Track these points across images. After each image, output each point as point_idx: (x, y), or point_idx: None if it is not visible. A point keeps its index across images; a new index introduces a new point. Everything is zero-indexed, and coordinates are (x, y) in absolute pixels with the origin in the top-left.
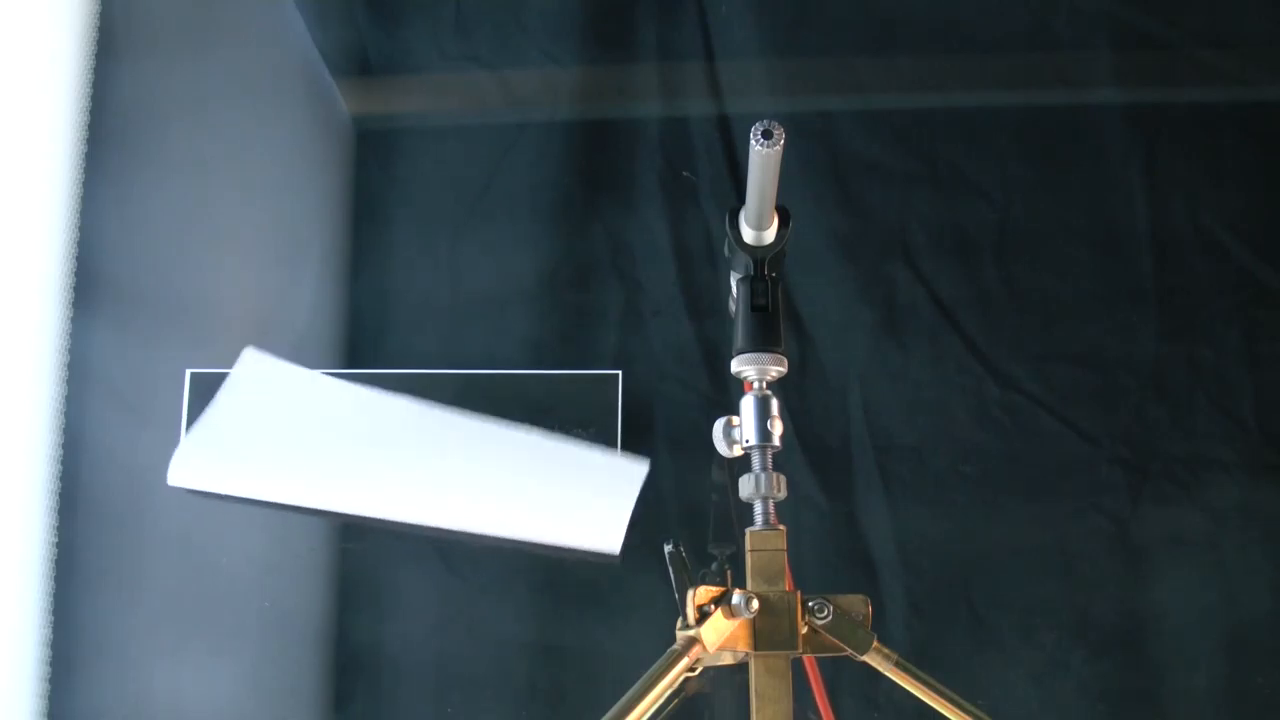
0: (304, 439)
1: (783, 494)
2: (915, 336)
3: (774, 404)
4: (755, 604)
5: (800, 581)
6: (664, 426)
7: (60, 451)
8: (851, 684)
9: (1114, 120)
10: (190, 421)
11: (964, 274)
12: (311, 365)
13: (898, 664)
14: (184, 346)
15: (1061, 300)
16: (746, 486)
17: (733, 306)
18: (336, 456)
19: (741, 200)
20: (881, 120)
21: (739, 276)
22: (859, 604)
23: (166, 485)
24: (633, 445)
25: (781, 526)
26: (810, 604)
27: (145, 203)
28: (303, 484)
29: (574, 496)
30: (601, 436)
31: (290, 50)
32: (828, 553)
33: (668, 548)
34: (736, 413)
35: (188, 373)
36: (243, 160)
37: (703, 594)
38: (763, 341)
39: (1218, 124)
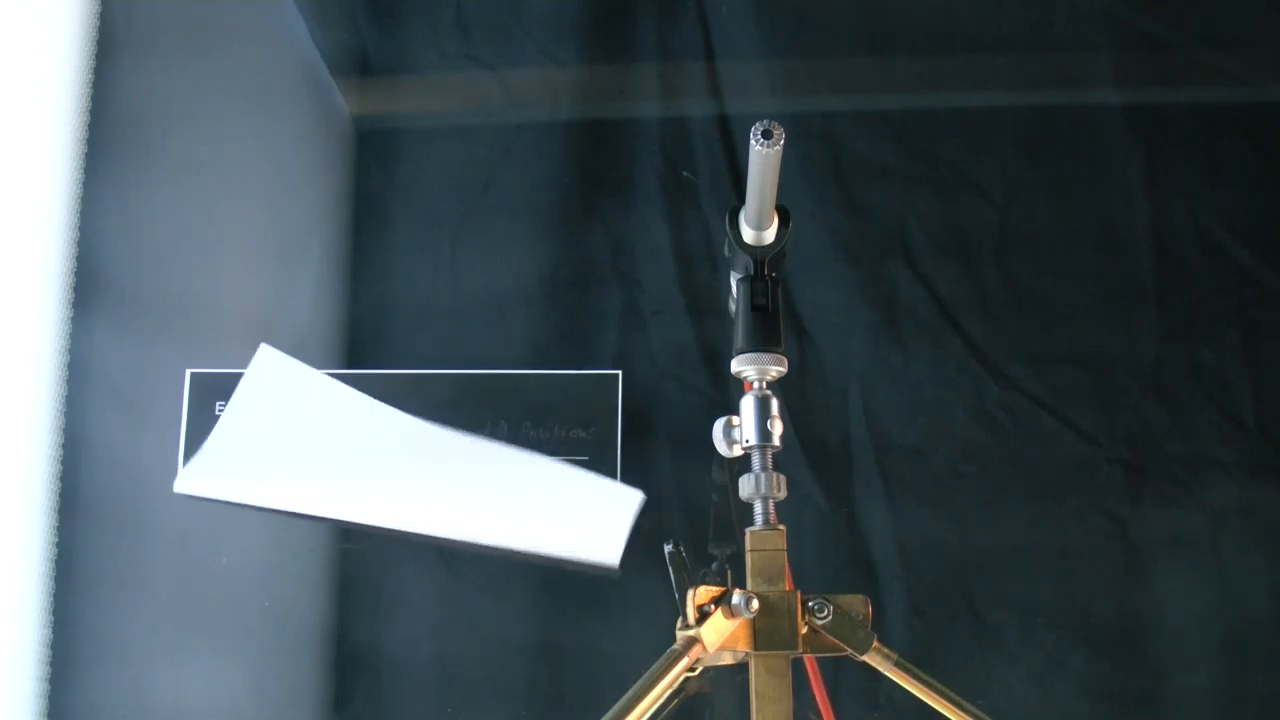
0: (313, 449)
1: (783, 494)
2: (915, 336)
3: (774, 404)
4: (755, 604)
5: (800, 581)
6: (664, 426)
7: (60, 451)
8: (851, 684)
9: (1114, 120)
10: (190, 421)
11: (964, 274)
12: (311, 366)
13: (898, 664)
14: (184, 346)
15: (1061, 300)
16: (746, 486)
17: (733, 306)
18: (346, 469)
19: (741, 200)
20: (881, 120)
21: (739, 276)
22: (859, 604)
23: (167, 486)
24: (633, 445)
25: (781, 526)
26: (810, 604)
27: (145, 203)
28: (310, 495)
29: (574, 512)
30: (601, 436)
31: (290, 50)
32: (828, 553)
33: (668, 548)
34: (736, 413)
35: (188, 373)
36: (243, 160)
37: (703, 594)
38: (763, 341)
39: (1218, 124)
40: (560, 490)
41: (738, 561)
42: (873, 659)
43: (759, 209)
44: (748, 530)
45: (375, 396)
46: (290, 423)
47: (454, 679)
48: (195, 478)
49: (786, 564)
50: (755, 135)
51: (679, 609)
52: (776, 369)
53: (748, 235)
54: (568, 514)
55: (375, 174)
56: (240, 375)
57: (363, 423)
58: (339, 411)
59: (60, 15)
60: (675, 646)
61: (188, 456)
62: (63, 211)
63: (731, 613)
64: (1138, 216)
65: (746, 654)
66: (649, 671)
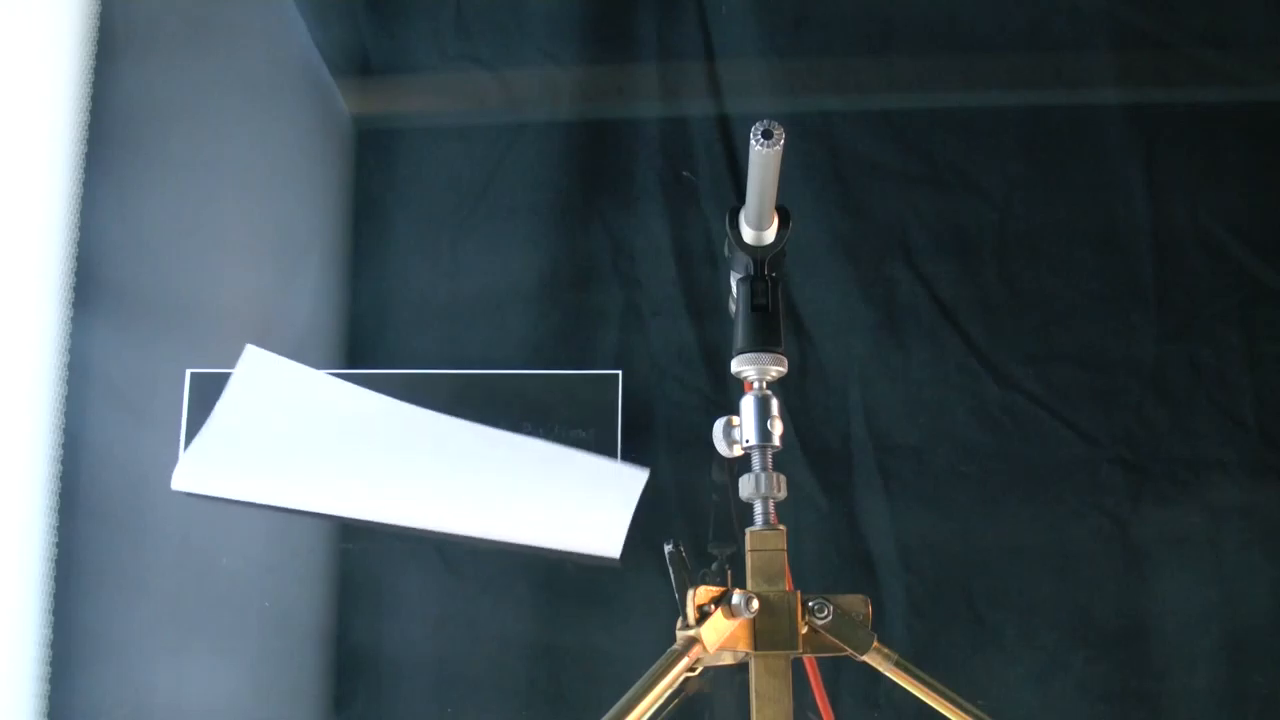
0: (307, 442)
1: (783, 494)
2: (915, 336)
3: (774, 404)
4: (755, 604)
5: (800, 581)
6: (664, 426)
7: (60, 451)
8: (851, 684)
9: (1114, 120)
10: (190, 421)
11: (964, 274)
12: (311, 365)
13: (898, 664)
14: (184, 346)
15: (1061, 300)
16: (746, 486)
17: (733, 306)
18: (339, 460)
19: (741, 200)
20: (881, 120)
21: (739, 276)
22: (859, 604)
23: (167, 486)
24: (633, 445)
25: (781, 526)
26: (810, 604)
27: (145, 203)
28: (306, 489)
29: (575, 501)
30: (601, 436)
31: (290, 50)
32: (828, 553)
33: (668, 548)
34: (736, 413)
35: (188, 373)
36: (243, 160)
37: (703, 594)
38: (763, 341)
39: (1218, 124)
40: (560, 477)
41: (738, 561)
42: (873, 659)
43: (759, 209)
44: (748, 530)
45: None
46: (285, 419)
47: (454, 679)
48: (191, 474)
49: (786, 564)
50: (755, 135)
51: (679, 609)
52: (776, 369)
53: (748, 235)
54: (568, 504)
55: (375, 174)
56: None
57: (358, 415)
58: (333, 405)
59: (60, 15)
60: (675, 646)
61: None
62: (63, 211)
63: (731, 613)
64: (1138, 216)
65: (746, 654)
66: (649, 671)
